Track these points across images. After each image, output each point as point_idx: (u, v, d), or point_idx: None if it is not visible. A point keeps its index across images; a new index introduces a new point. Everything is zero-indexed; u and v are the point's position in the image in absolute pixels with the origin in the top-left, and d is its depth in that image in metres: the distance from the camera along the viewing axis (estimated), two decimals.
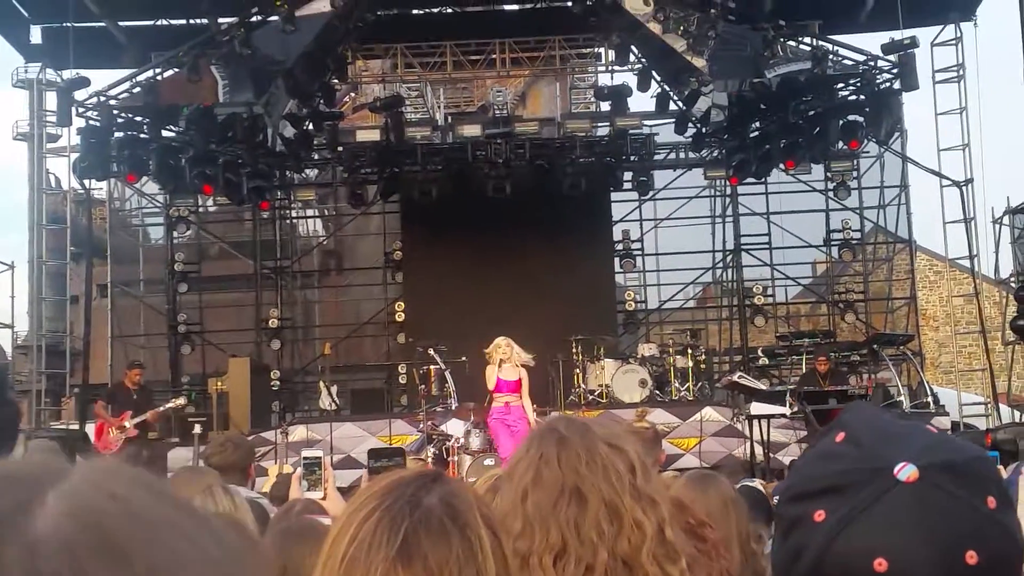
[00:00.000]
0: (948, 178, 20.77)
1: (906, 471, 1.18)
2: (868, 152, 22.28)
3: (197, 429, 15.15)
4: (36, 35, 21.24)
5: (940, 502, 1.17)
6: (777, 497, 1.38)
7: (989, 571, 1.16)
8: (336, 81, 21.70)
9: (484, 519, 1.67)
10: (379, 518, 1.63)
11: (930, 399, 17.35)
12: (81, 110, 17.94)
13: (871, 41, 19.17)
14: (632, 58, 21.03)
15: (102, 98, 18.04)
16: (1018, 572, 1.19)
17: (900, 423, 1.28)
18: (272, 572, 0.63)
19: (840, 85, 18.55)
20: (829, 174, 22.04)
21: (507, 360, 13.48)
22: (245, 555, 0.64)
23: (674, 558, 2.15)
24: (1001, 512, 1.19)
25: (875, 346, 19.05)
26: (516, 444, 13.14)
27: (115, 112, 18.05)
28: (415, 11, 21.41)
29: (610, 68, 22.93)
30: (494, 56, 21.56)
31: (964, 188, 20.54)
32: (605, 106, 21.92)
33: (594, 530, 2.10)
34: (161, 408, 16.16)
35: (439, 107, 25.30)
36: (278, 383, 21.64)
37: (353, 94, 26.20)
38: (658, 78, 20.65)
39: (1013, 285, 19.38)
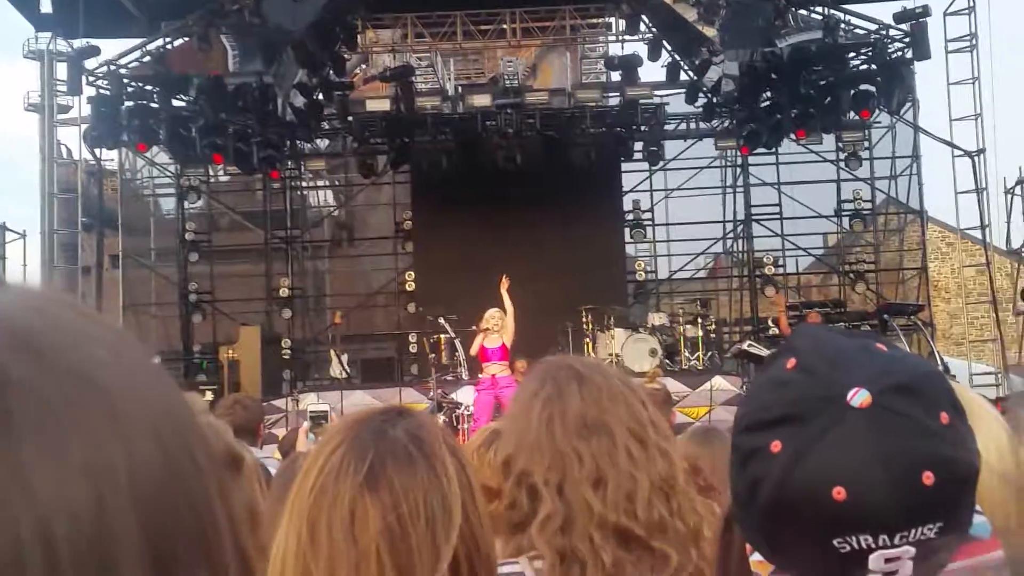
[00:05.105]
0: (960, 148, 20.71)
1: (859, 397, 1.18)
2: (880, 122, 22.06)
3: (208, 396, 15.26)
4: (46, 4, 21.03)
5: (893, 425, 1.18)
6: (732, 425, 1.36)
7: (947, 488, 1.17)
8: (346, 51, 21.66)
9: (449, 449, 1.74)
10: (346, 449, 1.70)
11: (940, 368, 17.32)
12: (91, 79, 17.98)
13: (883, 10, 19.13)
14: (643, 28, 20.95)
15: (112, 67, 18.09)
16: (975, 482, 1.20)
17: (850, 344, 1.27)
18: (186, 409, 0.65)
19: (852, 55, 18.49)
20: (840, 144, 21.80)
21: (496, 331, 13.68)
22: (165, 378, 0.65)
23: (704, 491, 2.20)
24: (954, 426, 1.20)
25: (885, 316, 18.96)
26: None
27: (125, 81, 18.11)
28: None
29: (621, 38, 22.79)
30: (504, 26, 21.43)
31: (976, 158, 20.47)
32: (616, 76, 21.81)
33: (627, 458, 2.14)
34: None
35: (449, 78, 25.24)
36: (289, 352, 21.71)
37: (364, 66, 26.15)
38: (669, 48, 20.60)
39: None
